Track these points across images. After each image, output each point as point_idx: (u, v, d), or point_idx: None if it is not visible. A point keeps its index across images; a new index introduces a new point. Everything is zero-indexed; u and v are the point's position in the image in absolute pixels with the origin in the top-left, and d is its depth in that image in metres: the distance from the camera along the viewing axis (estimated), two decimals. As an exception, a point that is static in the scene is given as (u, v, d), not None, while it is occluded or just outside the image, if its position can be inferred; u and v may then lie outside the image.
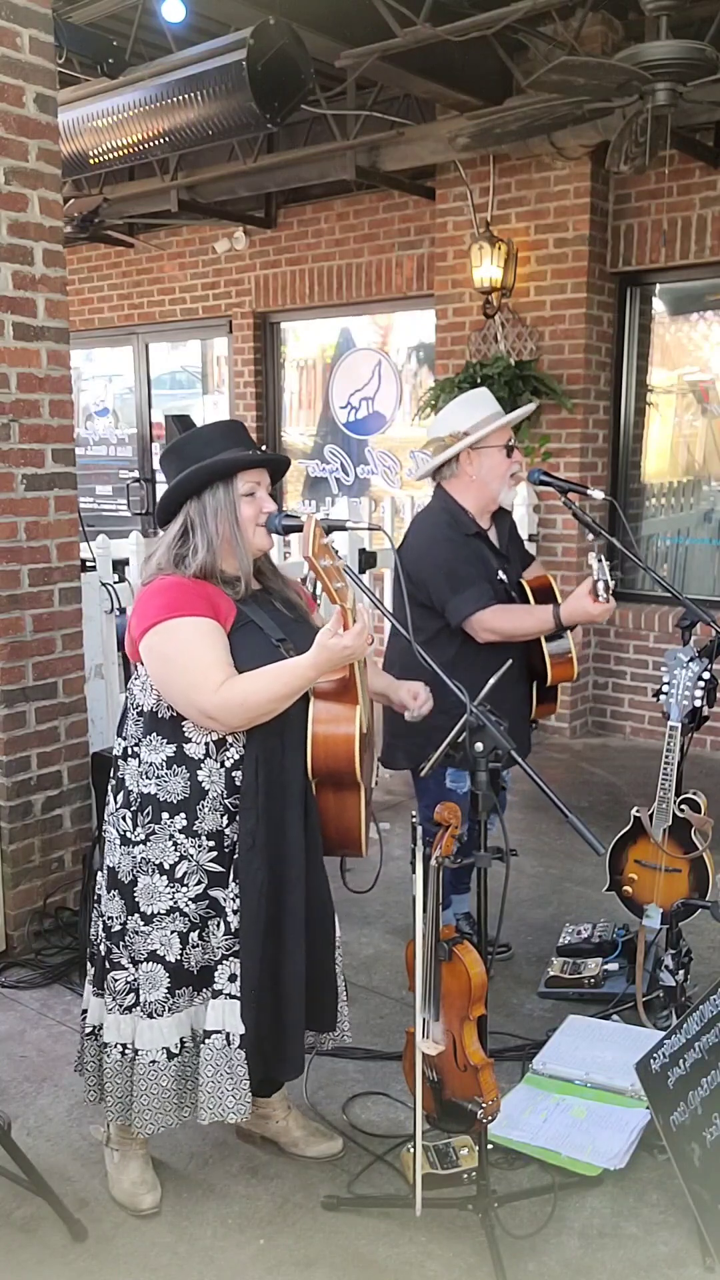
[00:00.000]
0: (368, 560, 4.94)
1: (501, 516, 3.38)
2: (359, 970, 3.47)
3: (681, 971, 3.03)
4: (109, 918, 2.35)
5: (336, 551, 2.13)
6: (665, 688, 3.02)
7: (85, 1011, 2.47)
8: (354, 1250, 2.31)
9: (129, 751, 2.33)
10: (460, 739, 2.19)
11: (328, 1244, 2.33)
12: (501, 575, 3.24)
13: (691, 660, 3.00)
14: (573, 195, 5.73)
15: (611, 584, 2.94)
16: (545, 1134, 2.61)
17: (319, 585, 2.11)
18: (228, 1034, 2.27)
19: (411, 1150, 2.34)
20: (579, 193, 5.71)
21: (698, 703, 3.00)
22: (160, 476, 8.18)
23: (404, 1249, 2.31)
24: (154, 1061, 2.29)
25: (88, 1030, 2.44)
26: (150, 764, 2.27)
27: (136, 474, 8.76)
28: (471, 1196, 2.33)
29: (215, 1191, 2.50)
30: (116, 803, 2.35)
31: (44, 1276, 2.25)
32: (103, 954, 2.38)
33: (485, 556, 3.24)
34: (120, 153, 5.49)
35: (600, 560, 2.91)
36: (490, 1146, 2.42)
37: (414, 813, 2.29)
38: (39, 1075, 2.95)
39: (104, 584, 4.09)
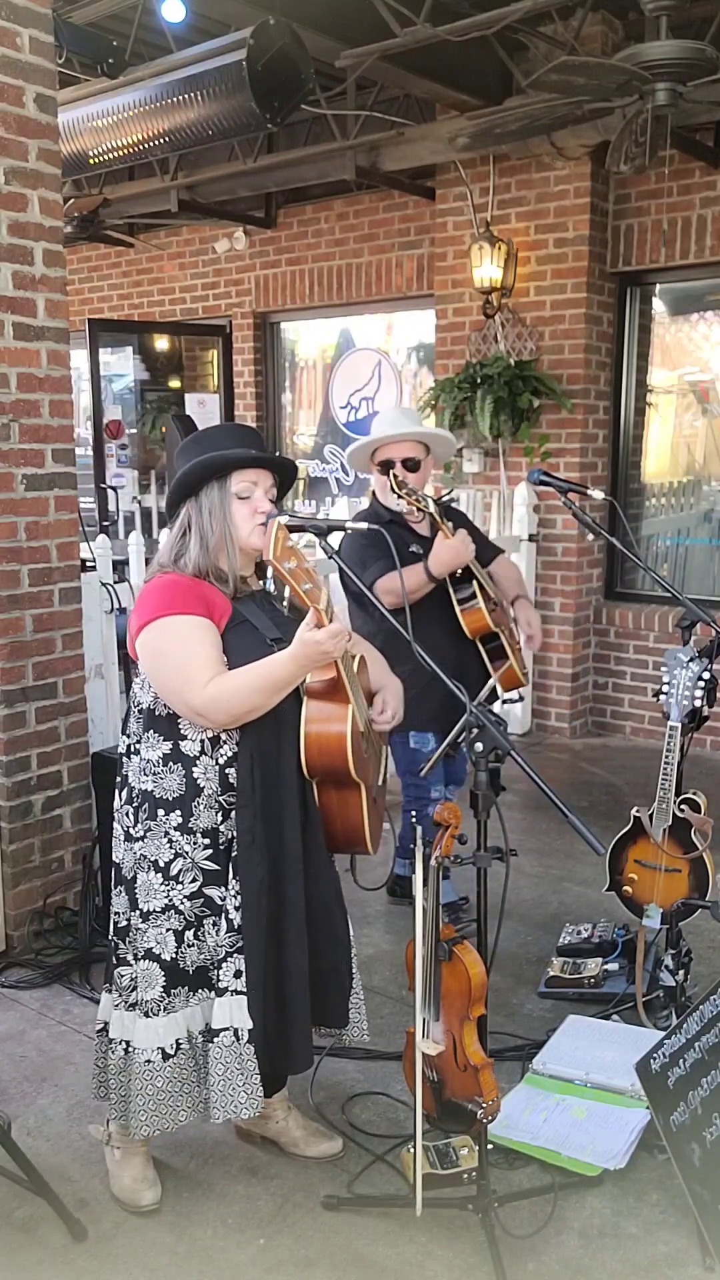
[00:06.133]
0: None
1: (454, 515, 3.65)
2: (359, 970, 3.45)
3: (681, 971, 3.03)
4: (116, 914, 2.37)
5: (328, 551, 2.12)
6: (665, 688, 3.02)
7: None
8: (354, 1250, 2.31)
9: (131, 749, 2.34)
10: (460, 739, 2.19)
11: (328, 1244, 2.33)
12: (415, 548, 3.52)
13: (691, 660, 3.00)
14: (573, 195, 5.72)
15: (442, 496, 3.15)
16: (545, 1134, 2.61)
17: (287, 589, 2.10)
18: (236, 1030, 2.27)
19: (411, 1150, 2.34)
20: (579, 193, 5.70)
21: (698, 703, 3.01)
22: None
23: (404, 1249, 2.31)
24: (149, 1061, 2.29)
25: (98, 1026, 2.46)
26: (148, 761, 2.28)
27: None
28: (471, 1196, 2.33)
29: (215, 1191, 2.50)
30: (121, 799, 2.38)
31: (44, 1276, 2.25)
32: (111, 950, 2.39)
33: (398, 536, 3.49)
34: (120, 153, 5.49)
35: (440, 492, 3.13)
36: (490, 1146, 2.42)
37: (413, 813, 2.29)
38: (39, 1075, 2.95)
39: (104, 584, 4.10)
